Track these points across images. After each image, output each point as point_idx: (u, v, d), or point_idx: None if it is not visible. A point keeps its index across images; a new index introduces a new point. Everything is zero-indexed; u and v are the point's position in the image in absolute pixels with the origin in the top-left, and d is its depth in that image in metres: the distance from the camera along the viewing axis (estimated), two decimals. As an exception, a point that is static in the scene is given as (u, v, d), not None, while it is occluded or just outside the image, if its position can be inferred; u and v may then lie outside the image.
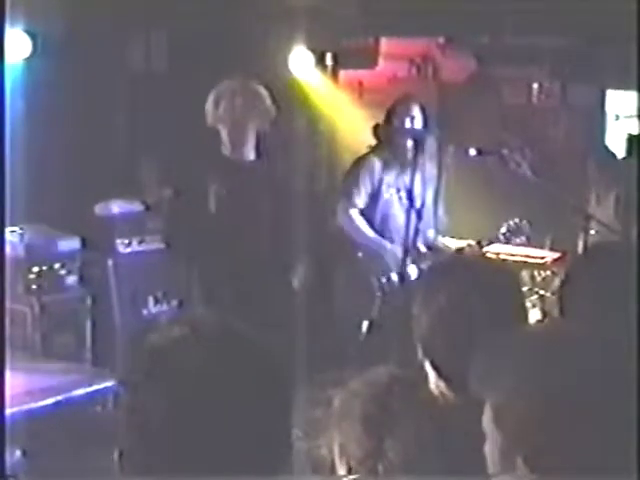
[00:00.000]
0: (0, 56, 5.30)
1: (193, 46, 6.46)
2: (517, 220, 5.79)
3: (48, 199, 5.93)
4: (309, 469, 4.17)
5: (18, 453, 4.45)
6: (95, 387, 4.83)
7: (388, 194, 5.77)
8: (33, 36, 5.85)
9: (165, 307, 6.20)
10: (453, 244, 5.97)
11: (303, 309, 5.62)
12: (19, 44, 6.01)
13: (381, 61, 7.61)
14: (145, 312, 6.14)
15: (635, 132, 7.32)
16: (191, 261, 5.47)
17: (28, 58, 5.94)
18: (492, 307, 2.34)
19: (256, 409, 1.52)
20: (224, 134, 5.40)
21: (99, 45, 6.15)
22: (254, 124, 5.40)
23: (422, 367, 2.40)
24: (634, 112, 7.68)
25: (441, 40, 7.90)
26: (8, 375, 4.84)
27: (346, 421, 2.34)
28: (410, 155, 5.54)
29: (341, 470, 2.32)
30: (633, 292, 2.46)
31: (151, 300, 6.17)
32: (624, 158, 7.08)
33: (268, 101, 5.44)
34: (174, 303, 6.18)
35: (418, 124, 5.69)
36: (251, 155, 5.45)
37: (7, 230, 5.93)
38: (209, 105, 5.40)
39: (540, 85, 7.93)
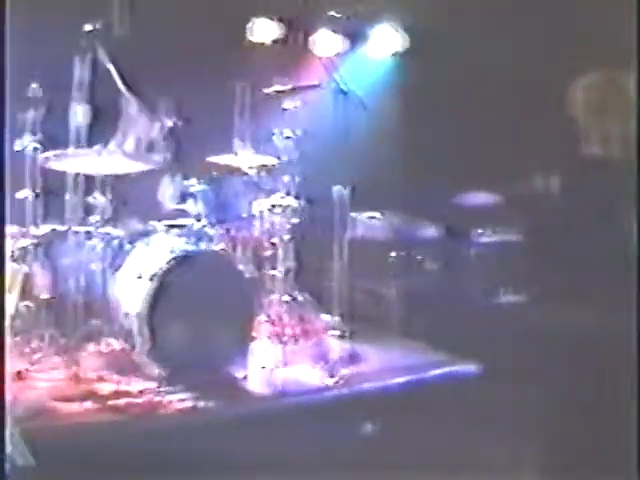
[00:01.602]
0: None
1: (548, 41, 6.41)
2: None
3: (411, 188, 6.16)
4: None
5: (369, 427, 4.64)
6: (450, 369, 4.97)
7: None
8: (407, 31, 6.08)
9: (516, 298, 6.24)
10: None
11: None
12: (390, 39, 6.29)
13: None
14: (497, 301, 6.22)
15: None
16: (549, 256, 5.46)
17: (399, 53, 6.20)
18: None
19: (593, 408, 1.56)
20: (588, 128, 5.31)
21: (469, 42, 6.24)
22: (616, 119, 5.26)
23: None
24: None
25: None
26: (370, 352, 5.11)
27: None
28: None
29: None
30: None
31: (502, 290, 6.24)
32: None
33: (634, 96, 5.29)
34: (524, 296, 6.20)
35: None
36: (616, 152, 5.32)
37: (372, 215, 6.25)
38: (573, 96, 5.33)
39: None
